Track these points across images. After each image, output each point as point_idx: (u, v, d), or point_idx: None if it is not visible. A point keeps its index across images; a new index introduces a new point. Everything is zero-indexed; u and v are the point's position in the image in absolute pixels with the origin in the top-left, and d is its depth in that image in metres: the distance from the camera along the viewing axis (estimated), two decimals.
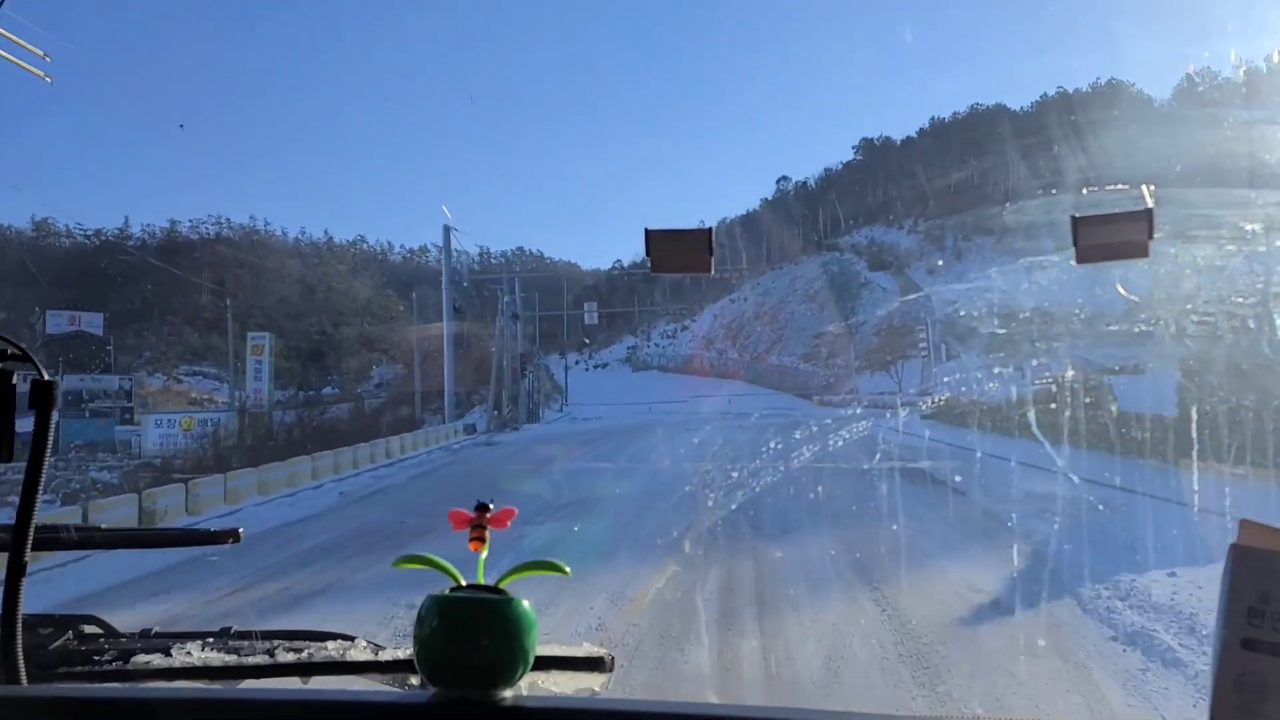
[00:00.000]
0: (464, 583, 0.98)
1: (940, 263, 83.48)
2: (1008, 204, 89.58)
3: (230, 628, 1.38)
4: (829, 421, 38.43)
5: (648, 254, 1.46)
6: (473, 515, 1.02)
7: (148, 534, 1.72)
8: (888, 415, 44.78)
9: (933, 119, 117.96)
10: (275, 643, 1.28)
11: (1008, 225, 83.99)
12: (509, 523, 1.02)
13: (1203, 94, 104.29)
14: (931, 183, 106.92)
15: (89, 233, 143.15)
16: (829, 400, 65.92)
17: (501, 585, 0.98)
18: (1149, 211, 1.32)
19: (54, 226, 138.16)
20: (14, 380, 1.05)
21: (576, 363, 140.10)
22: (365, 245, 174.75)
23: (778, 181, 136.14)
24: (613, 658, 1.16)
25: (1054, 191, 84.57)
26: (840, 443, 26.54)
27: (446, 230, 42.39)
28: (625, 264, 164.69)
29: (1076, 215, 1.35)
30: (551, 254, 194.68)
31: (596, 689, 1.15)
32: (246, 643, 1.28)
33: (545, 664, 1.10)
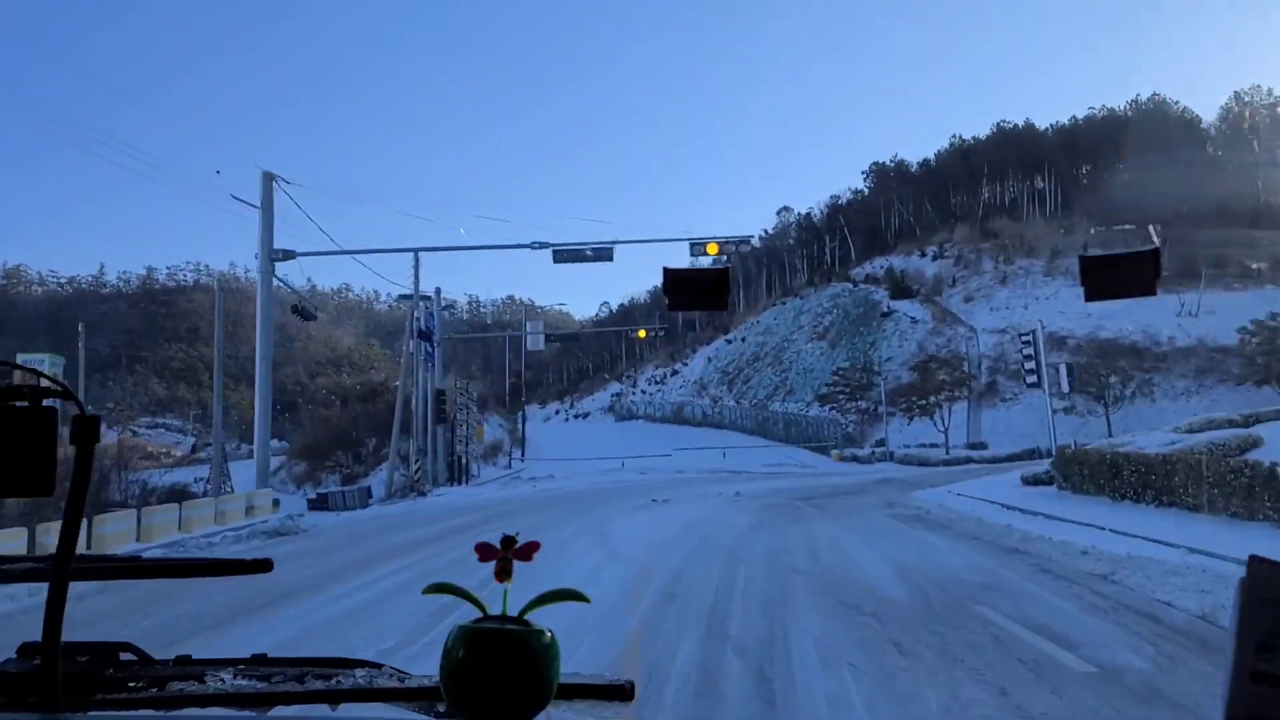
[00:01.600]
0: (489, 613, 1.01)
1: (977, 288, 69.55)
2: (1061, 225, 76.34)
3: (264, 654, 1.38)
4: (868, 501, 24.15)
5: (665, 293, 1.40)
6: (498, 549, 1.04)
7: (184, 563, 1.62)
8: (955, 481, 30.31)
9: (954, 139, 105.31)
10: (305, 670, 1.29)
11: (1058, 248, 70.25)
12: (534, 556, 1.04)
13: (1249, 115, 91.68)
14: (958, 206, 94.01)
15: (62, 280, 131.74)
16: (853, 455, 51.35)
17: (525, 615, 1.00)
18: (1156, 251, 1.24)
19: (26, 274, 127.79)
20: (56, 416, 1.08)
21: (557, 412, 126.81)
22: (350, 294, 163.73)
23: (778, 213, 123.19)
24: (634, 685, 1.15)
25: (1111, 214, 71.44)
26: (940, 574, 11.91)
27: (266, 180, 28.06)
28: (613, 307, 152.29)
29: (1085, 256, 1.26)
30: (543, 302, 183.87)
31: (619, 717, 1.17)
32: (277, 670, 1.29)
33: (569, 693, 1.10)
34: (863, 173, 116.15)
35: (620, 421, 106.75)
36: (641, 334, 38.29)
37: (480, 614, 1.00)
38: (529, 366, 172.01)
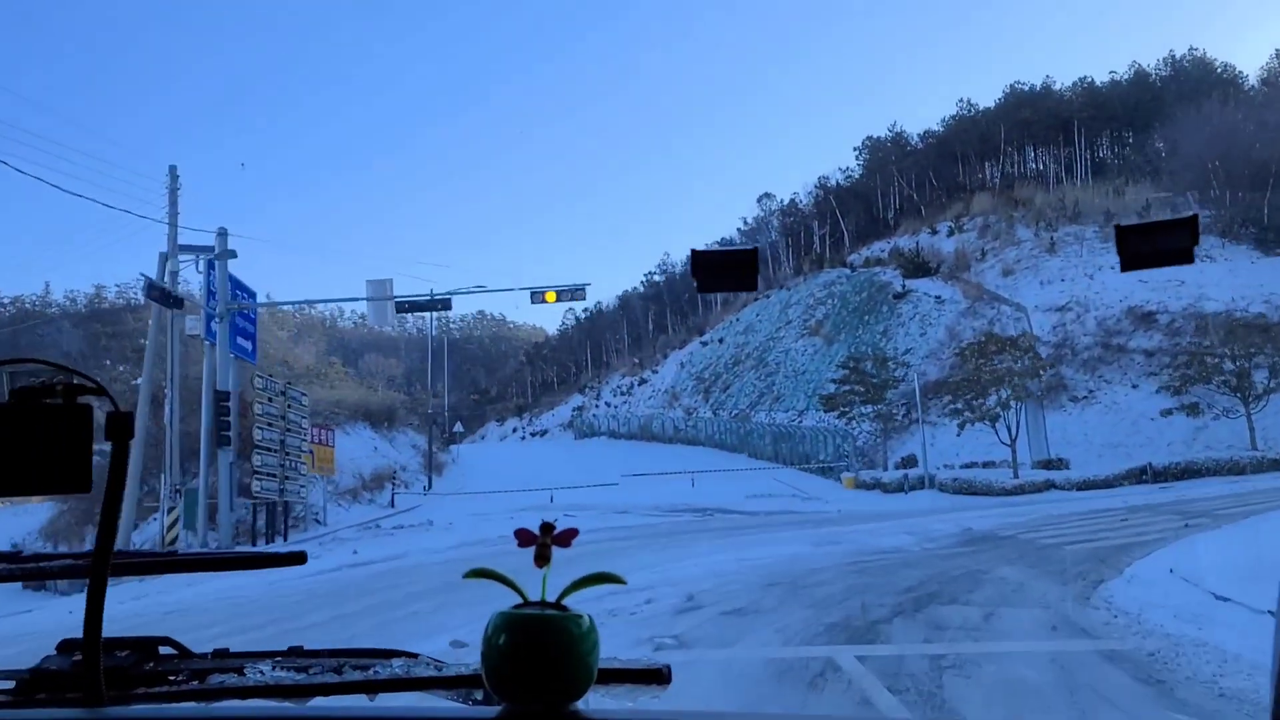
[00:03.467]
0: (528, 599, 1.03)
1: (1017, 259, 54.92)
2: (1110, 187, 62.26)
3: (300, 646, 1.39)
4: (1032, 619, 9.22)
5: (694, 274, 1.49)
6: (538, 535, 1.05)
7: (219, 557, 1.62)
8: (1121, 537, 15.08)
9: (962, 105, 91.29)
10: (342, 660, 1.31)
11: (1110, 210, 55.82)
12: (572, 542, 1.06)
13: None
14: (970, 178, 80.00)
15: (4, 301, 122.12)
16: (875, 481, 36.42)
17: (563, 600, 1.03)
18: (1194, 218, 1.34)
19: None
20: (93, 414, 1.11)
21: (514, 430, 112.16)
22: (310, 311, 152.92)
23: (759, 200, 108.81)
24: (670, 670, 1.15)
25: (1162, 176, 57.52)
26: None
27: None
28: (579, 314, 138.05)
29: (1120, 225, 1.39)
30: (515, 318, 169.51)
31: (657, 700, 1.17)
32: (315, 661, 1.32)
33: (607, 677, 1.11)
34: (855, 149, 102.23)
35: (581, 439, 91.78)
36: (550, 297, 21.85)
37: (520, 600, 1.01)
38: (489, 379, 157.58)
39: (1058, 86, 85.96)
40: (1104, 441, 36.89)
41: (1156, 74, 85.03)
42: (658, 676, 1.12)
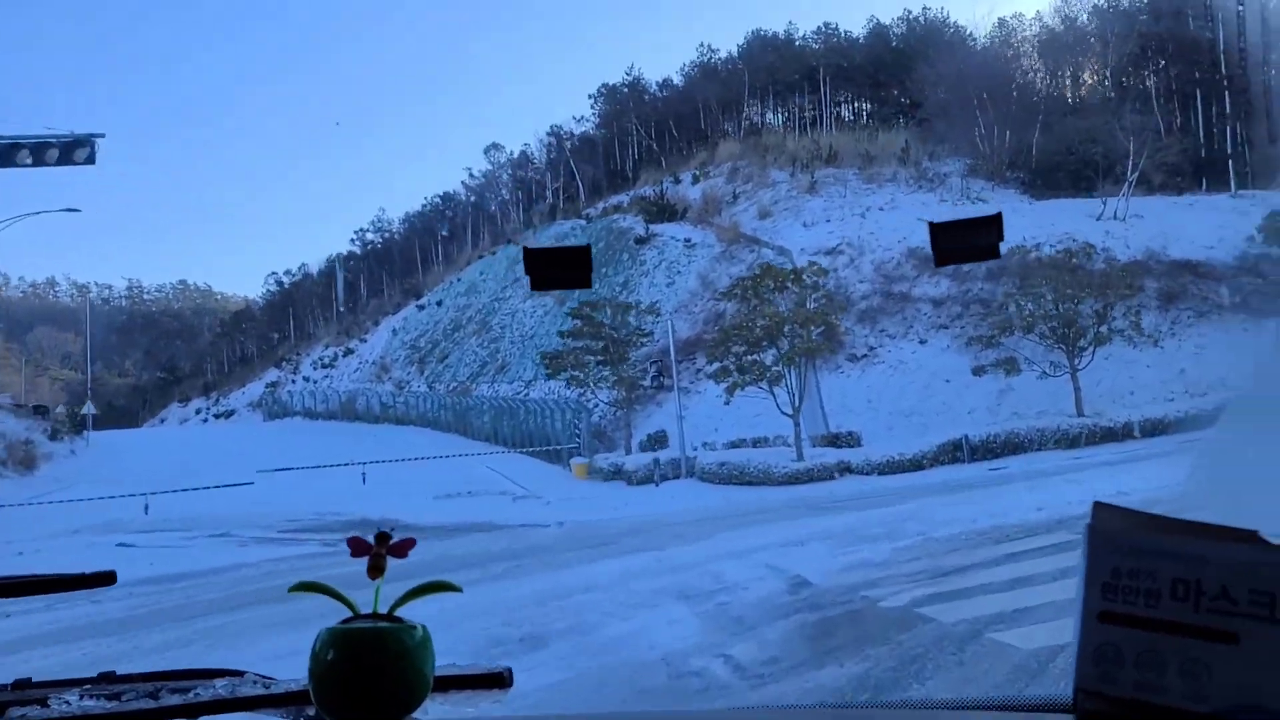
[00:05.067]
0: (359, 611, 0.98)
1: (773, 201, 47.59)
2: (866, 131, 56.94)
3: (111, 672, 1.27)
4: None
5: (528, 272, 1.45)
6: (371, 544, 1.01)
7: (21, 581, 1.34)
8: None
9: (702, 50, 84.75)
10: (159, 684, 1.19)
11: (869, 153, 49.95)
12: (409, 553, 1.01)
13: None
14: (712, 126, 73.52)
15: None
16: (616, 468, 27.09)
17: (396, 611, 0.98)
18: (999, 216, 1.42)
19: None
20: None
21: (198, 412, 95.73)
22: None
23: (487, 151, 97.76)
24: (511, 673, 1.11)
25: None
26: None
27: None
28: (282, 277, 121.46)
29: (934, 222, 1.43)
30: (223, 288, 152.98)
31: (498, 705, 1.15)
32: (128, 686, 1.19)
33: (445, 684, 1.07)
34: (590, 96, 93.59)
35: (271, 420, 78.00)
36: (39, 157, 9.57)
37: (350, 614, 0.96)
38: (187, 355, 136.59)
39: (801, 34, 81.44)
40: (892, 409, 29.54)
41: (894, 31, 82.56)
42: (499, 681, 1.08)
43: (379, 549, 0.97)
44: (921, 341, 32.52)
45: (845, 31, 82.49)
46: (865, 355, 32.34)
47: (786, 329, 24.96)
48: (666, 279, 43.06)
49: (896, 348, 32.55)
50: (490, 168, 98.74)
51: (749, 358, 24.94)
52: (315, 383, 78.89)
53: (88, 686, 1.18)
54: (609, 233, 53.66)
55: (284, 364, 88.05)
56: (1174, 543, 0.77)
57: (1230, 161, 43.40)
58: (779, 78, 74.46)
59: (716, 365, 26.04)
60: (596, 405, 33.75)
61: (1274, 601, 0.73)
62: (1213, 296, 31.65)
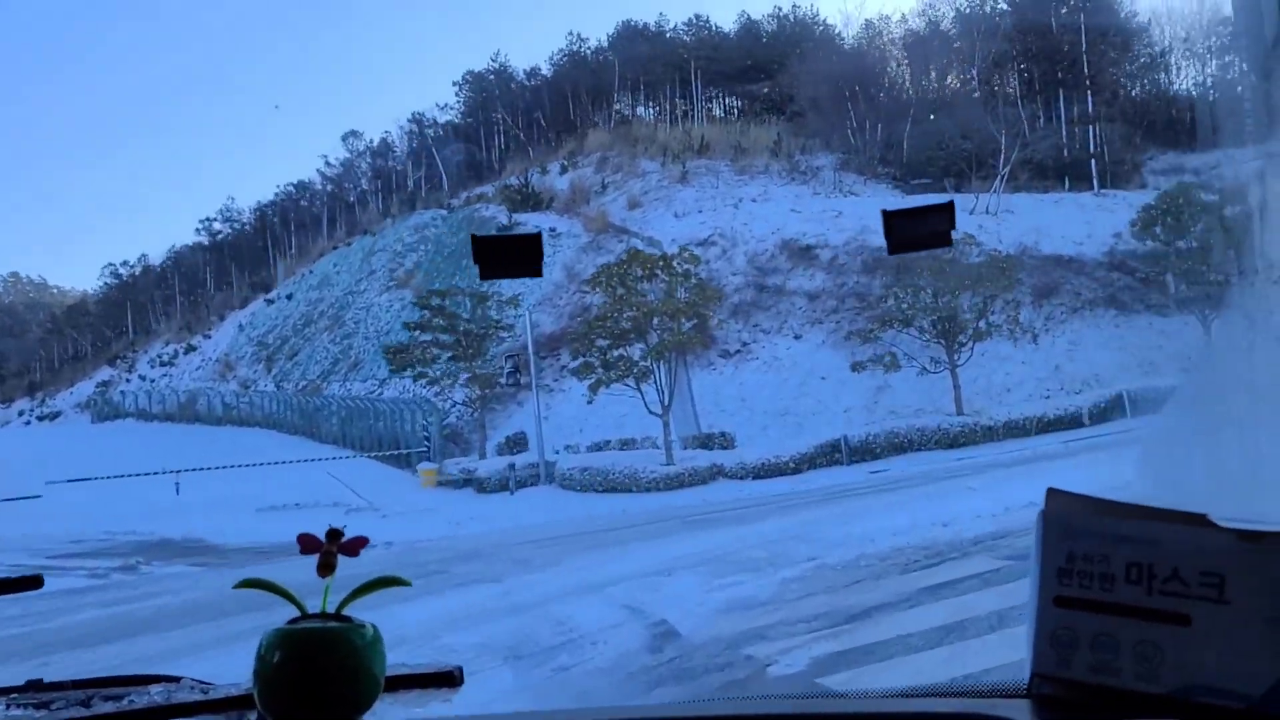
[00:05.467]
0: (307, 610, 0.95)
1: (643, 191, 45.66)
2: (738, 125, 55.94)
3: (40, 680, 1.22)
4: None
5: (476, 261, 1.41)
6: (322, 541, 0.98)
7: None
8: None
9: (571, 39, 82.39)
10: (91, 692, 1.16)
11: (741, 145, 48.71)
12: (360, 551, 0.98)
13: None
14: (582, 116, 71.43)
15: None
16: (467, 476, 24.52)
17: (344, 610, 0.95)
18: (951, 204, 1.39)
19: None
20: None
21: (20, 414, 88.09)
22: None
23: (345, 139, 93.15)
24: (461, 671, 1.11)
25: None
26: None
27: None
28: (120, 269, 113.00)
29: (887, 210, 1.42)
30: (59, 281, 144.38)
31: (449, 704, 1.11)
32: (59, 695, 1.15)
33: (395, 684, 1.05)
34: (454, 84, 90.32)
35: (101, 422, 72.02)
36: None
37: (298, 613, 0.92)
38: (16, 353, 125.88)
39: (672, 25, 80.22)
40: (767, 409, 27.87)
41: (764, 27, 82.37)
42: (449, 679, 1.07)
43: (329, 546, 0.95)
44: (796, 337, 31.07)
45: (716, 26, 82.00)
46: (738, 351, 30.64)
47: (655, 321, 22.95)
48: (545, 267, 40.62)
49: (771, 343, 30.98)
50: (349, 155, 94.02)
51: (615, 352, 22.76)
52: (153, 382, 73.08)
53: (14, 695, 1.12)
54: (470, 223, 50.81)
55: (118, 361, 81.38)
56: (1128, 526, 0.77)
57: (1093, 161, 43.83)
58: (650, 69, 72.97)
59: (579, 361, 23.75)
60: (453, 406, 30.99)
61: (1223, 583, 0.73)
62: (1084, 292, 31.31)
